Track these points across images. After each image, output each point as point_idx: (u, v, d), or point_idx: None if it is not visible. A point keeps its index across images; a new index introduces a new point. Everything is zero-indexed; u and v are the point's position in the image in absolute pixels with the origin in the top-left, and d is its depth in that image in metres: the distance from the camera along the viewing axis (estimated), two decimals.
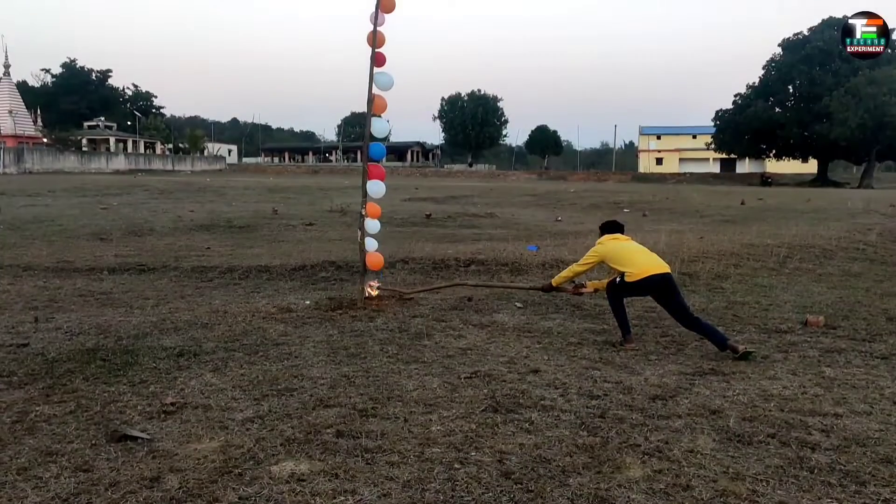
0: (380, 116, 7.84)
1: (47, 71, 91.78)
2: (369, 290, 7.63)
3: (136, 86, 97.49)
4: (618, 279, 5.95)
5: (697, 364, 5.20)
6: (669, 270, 5.92)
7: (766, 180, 58.68)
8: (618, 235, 6.26)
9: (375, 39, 7.68)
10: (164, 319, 6.64)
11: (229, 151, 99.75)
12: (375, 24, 7.67)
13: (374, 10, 7.70)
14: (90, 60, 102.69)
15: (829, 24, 59.49)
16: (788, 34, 63.16)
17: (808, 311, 7.08)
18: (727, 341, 5.44)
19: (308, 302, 7.49)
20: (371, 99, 7.70)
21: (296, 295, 8.09)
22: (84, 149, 68.14)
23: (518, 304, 7.60)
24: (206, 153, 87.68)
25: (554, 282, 6.52)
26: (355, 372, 4.91)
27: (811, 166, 65.00)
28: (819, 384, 4.67)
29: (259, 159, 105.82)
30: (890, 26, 53.72)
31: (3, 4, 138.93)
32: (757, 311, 7.26)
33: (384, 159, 8.11)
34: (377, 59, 7.74)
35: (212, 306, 7.37)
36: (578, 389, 4.53)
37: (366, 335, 6.11)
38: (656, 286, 5.78)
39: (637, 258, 5.93)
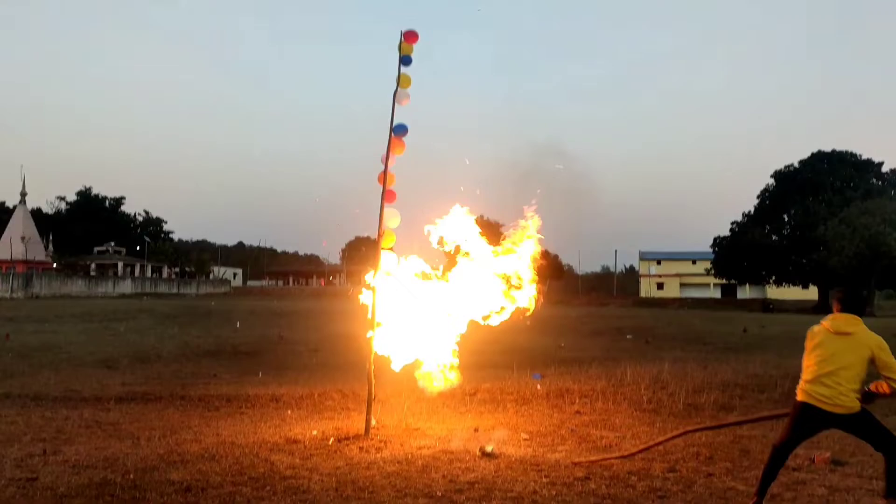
0: (389, 249, 8.20)
1: (62, 199, 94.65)
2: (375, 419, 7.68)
3: (147, 212, 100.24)
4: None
5: (707, 503, 5.18)
6: (854, 408, 4.73)
7: (767, 307, 58.93)
8: (838, 317, 4.90)
9: (386, 179, 8.15)
10: (170, 451, 6.65)
11: (234, 275, 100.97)
12: (387, 165, 8.16)
13: (385, 152, 8.22)
14: (105, 188, 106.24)
15: (818, 157, 61.90)
16: (780, 165, 65.55)
17: (814, 447, 7.06)
18: None
19: (315, 432, 7.51)
20: (380, 234, 8.07)
21: (303, 424, 8.10)
22: (92, 273, 69.16)
23: (524, 436, 7.59)
24: (211, 276, 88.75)
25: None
26: None
27: (812, 292, 65.46)
28: None
29: (264, 282, 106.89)
30: (877, 160, 55.60)
31: (23, 136, 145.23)
32: (764, 447, 7.21)
33: None
34: (387, 196, 8.17)
35: (219, 437, 7.38)
36: None
37: (373, 468, 6.10)
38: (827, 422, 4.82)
39: (819, 367, 4.74)
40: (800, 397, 4.88)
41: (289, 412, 9.04)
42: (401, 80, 8.07)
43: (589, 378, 11.78)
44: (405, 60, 8.19)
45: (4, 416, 8.48)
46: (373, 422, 7.68)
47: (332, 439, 7.16)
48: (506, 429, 7.95)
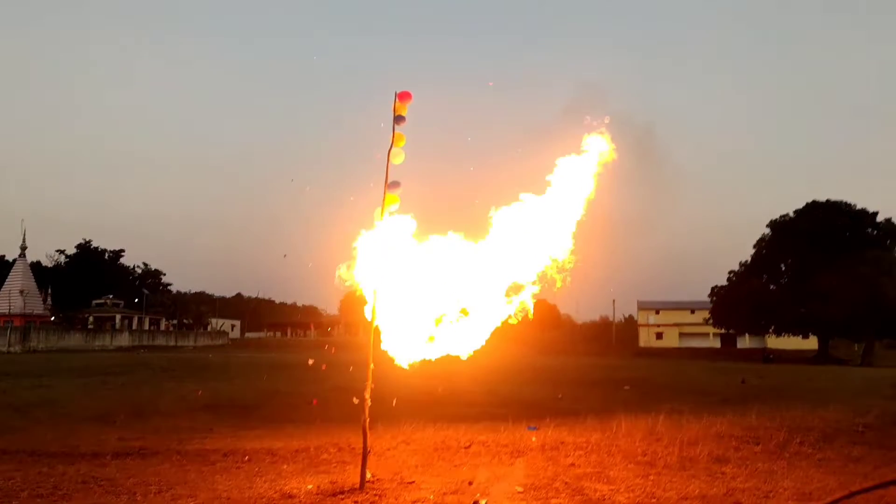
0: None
1: (62, 252, 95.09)
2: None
3: (146, 264, 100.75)
4: None
5: None
6: None
7: (767, 357, 58.78)
8: None
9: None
10: None
11: (232, 326, 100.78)
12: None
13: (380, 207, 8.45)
14: (104, 241, 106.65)
15: (813, 206, 62.48)
16: (775, 215, 66.03)
17: (808, 498, 7.12)
18: None
19: (310, 486, 7.55)
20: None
21: (298, 478, 8.13)
22: (90, 326, 69.11)
23: (518, 489, 7.63)
24: (209, 328, 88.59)
25: None
26: None
27: (812, 342, 65.30)
28: None
29: (262, 334, 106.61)
30: (871, 209, 55.90)
31: (25, 190, 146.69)
32: (757, 499, 7.28)
33: None
34: None
35: (214, 492, 7.42)
36: None
37: None
38: None
39: None
40: None
41: (284, 466, 9.06)
42: (395, 139, 8.32)
43: (584, 430, 11.80)
44: (399, 120, 8.45)
45: (2, 471, 8.50)
46: (368, 475, 7.72)
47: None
48: (500, 481, 7.99)
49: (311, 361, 9.42)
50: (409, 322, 8.07)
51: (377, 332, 7.97)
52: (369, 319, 7.88)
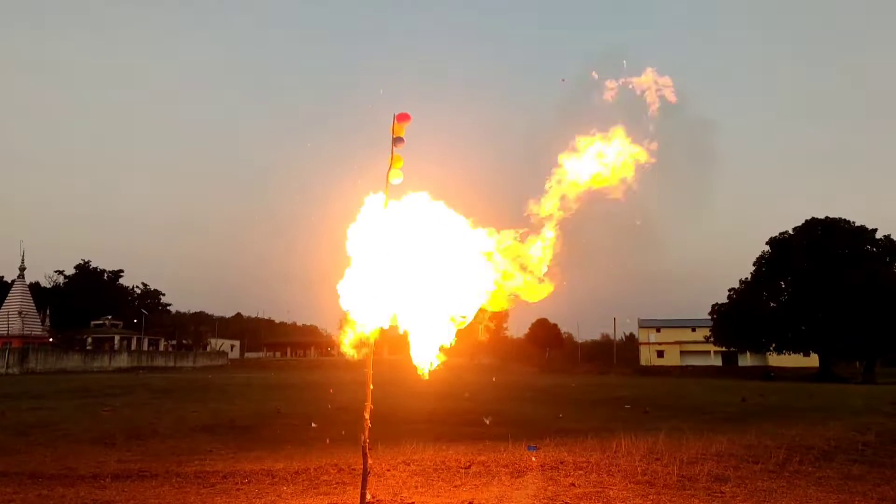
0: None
1: (61, 272, 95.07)
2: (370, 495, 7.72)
3: (145, 284, 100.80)
4: None
5: None
6: None
7: (768, 375, 58.65)
8: None
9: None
10: None
11: (231, 347, 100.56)
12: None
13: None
14: (103, 261, 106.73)
15: (812, 224, 62.63)
16: (774, 233, 66.09)
17: None
18: None
19: None
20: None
21: (298, 500, 8.13)
22: (88, 347, 69.01)
23: None
24: (208, 348, 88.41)
25: None
26: None
27: (814, 360, 65.16)
28: None
29: (262, 354, 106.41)
30: (870, 226, 56.01)
31: (23, 211, 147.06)
32: None
33: None
34: None
35: None
36: None
37: None
38: None
39: None
40: None
41: (284, 488, 9.05)
42: (393, 161, 8.38)
43: (584, 449, 11.79)
44: (397, 141, 8.51)
45: (1, 494, 8.50)
46: (368, 496, 7.72)
47: None
48: (500, 502, 7.99)
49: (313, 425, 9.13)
50: (436, 316, 7.66)
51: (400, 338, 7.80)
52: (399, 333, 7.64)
